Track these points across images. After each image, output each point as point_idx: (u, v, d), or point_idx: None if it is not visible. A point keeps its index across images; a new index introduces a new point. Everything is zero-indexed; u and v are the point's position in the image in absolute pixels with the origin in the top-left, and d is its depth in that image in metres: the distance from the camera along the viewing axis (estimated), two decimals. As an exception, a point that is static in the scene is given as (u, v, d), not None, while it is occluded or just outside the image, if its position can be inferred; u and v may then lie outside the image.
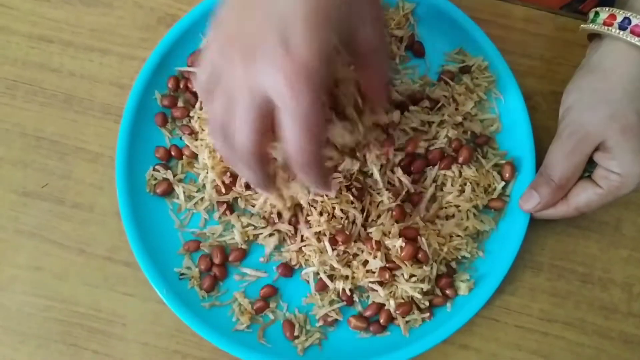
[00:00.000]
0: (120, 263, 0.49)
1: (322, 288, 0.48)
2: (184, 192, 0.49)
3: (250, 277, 0.49)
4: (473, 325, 0.49)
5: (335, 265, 0.47)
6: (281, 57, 0.31)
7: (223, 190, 0.48)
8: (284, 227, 0.48)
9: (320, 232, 0.47)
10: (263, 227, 0.48)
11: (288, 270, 0.48)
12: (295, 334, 0.47)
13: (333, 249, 0.47)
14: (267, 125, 0.34)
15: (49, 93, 0.52)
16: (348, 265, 0.47)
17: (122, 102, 0.50)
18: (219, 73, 0.34)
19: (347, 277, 0.47)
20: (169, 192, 0.49)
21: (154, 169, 0.49)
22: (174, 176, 0.49)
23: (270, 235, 0.48)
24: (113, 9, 0.53)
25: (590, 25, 0.45)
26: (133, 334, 0.49)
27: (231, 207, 0.49)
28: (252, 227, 0.49)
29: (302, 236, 0.48)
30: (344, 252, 0.47)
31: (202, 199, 0.49)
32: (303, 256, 0.48)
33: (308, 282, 0.48)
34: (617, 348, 0.49)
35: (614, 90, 0.44)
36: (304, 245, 0.48)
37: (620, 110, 0.43)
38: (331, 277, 0.48)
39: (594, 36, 0.47)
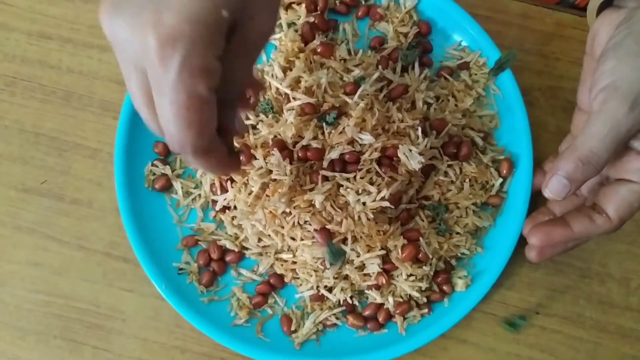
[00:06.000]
0: (119, 259, 0.50)
1: (318, 299, 0.48)
2: (182, 188, 0.49)
3: (245, 279, 0.49)
4: (471, 319, 0.49)
5: (333, 282, 0.46)
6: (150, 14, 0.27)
7: (219, 192, 0.48)
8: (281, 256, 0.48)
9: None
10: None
11: (280, 281, 0.48)
12: (293, 328, 0.47)
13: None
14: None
15: (48, 90, 0.52)
16: (345, 277, 0.47)
17: (121, 99, 0.50)
18: None
19: (345, 289, 0.47)
20: (168, 187, 0.49)
21: (153, 165, 0.49)
22: (173, 171, 0.50)
23: (260, 254, 0.48)
24: (112, 6, 0.53)
25: None
26: (132, 329, 0.49)
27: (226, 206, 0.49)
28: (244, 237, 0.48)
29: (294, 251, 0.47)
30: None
31: (199, 195, 0.49)
32: (297, 278, 0.48)
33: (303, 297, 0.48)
34: (615, 342, 0.50)
35: None
36: (299, 267, 0.47)
37: None
38: (329, 289, 0.48)
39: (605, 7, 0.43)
